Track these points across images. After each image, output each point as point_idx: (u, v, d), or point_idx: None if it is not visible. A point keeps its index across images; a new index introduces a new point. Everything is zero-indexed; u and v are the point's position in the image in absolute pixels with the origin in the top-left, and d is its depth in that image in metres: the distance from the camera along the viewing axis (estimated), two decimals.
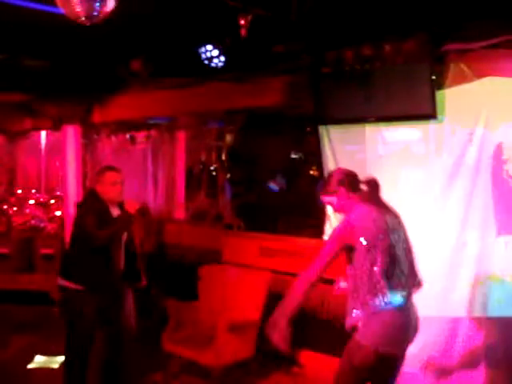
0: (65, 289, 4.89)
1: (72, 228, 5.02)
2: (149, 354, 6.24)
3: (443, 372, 4.88)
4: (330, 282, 5.89)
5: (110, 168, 5.18)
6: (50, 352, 6.17)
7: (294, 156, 9.53)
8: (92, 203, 4.89)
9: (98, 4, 3.40)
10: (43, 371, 5.99)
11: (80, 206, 4.98)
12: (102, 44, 5.77)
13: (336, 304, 5.91)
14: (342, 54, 5.05)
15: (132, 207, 4.81)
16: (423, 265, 3.85)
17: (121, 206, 4.97)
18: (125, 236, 5.08)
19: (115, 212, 4.94)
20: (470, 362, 4.77)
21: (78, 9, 3.43)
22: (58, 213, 9.60)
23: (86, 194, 5.24)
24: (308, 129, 8.05)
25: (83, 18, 3.51)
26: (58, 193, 10.21)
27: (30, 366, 6.11)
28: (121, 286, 5.10)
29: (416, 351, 4.90)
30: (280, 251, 6.47)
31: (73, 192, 8.44)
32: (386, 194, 5.13)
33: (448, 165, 4.88)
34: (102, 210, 4.83)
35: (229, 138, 8.56)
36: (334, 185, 3.78)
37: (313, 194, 7.21)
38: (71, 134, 8.51)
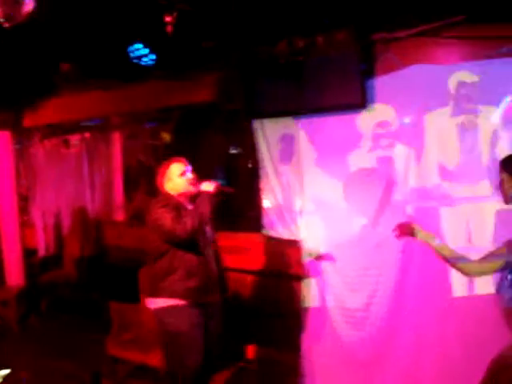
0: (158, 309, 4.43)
1: (148, 245, 4.56)
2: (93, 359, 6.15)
3: None
4: (273, 275, 6.00)
5: (172, 161, 4.65)
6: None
7: (232, 151, 9.51)
8: (165, 201, 4.41)
9: (15, 5, 3.31)
10: None
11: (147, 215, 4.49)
12: (30, 47, 5.65)
13: (281, 297, 5.98)
14: (275, 47, 5.06)
15: (208, 187, 4.35)
16: None
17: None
18: (210, 235, 4.61)
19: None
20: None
21: None
22: None
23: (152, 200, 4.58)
24: (245, 123, 8.06)
25: (3, 20, 3.41)
26: None
27: None
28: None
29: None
30: (221, 248, 6.45)
31: (7, 200, 8.21)
32: (321, 184, 5.26)
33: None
34: (178, 205, 4.40)
35: (165, 136, 8.49)
36: None
37: (251, 188, 7.25)
38: (1, 140, 8.28)
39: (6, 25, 3.46)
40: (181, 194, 4.51)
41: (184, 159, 4.62)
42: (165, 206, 4.31)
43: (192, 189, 4.48)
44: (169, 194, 4.52)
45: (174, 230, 4.21)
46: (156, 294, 4.41)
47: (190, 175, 4.52)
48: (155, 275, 4.43)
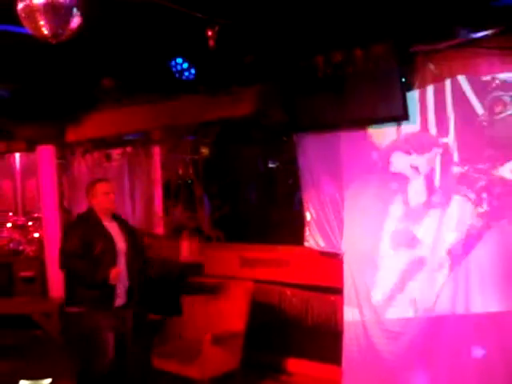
0: (68, 314, 4.94)
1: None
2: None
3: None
4: (314, 288, 5.98)
5: (99, 180, 5.36)
6: (34, 376, 6.07)
7: (271, 165, 9.52)
8: (76, 225, 5.08)
9: (63, 22, 3.38)
10: None
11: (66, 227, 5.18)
12: (72, 63, 5.75)
13: (320, 310, 5.95)
14: (313, 60, 5.07)
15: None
16: None
17: (115, 217, 5.11)
18: (124, 247, 5.02)
19: (109, 224, 4.99)
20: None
21: (44, 28, 3.41)
22: (37, 234, 9.49)
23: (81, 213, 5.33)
24: (284, 138, 8.07)
25: (49, 37, 3.49)
26: (36, 214, 10.10)
27: None
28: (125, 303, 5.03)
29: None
30: (261, 260, 6.48)
31: (50, 213, 8.36)
32: (362, 197, 5.24)
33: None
34: (95, 221, 4.93)
35: (204, 150, 8.54)
36: None
37: (291, 201, 7.26)
38: (46, 154, 8.45)
39: (53, 41, 3.54)
40: (102, 211, 5.00)
41: (110, 181, 5.41)
42: (72, 229, 5.08)
43: (113, 206, 5.10)
44: (92, 209, 5.06)
45: (60, 255, 4.92)
46: (70, 300, 4.93)
47: (112, 196, 5.08)
48: (68, 284, 4.98)
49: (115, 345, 4.93)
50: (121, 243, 5.00)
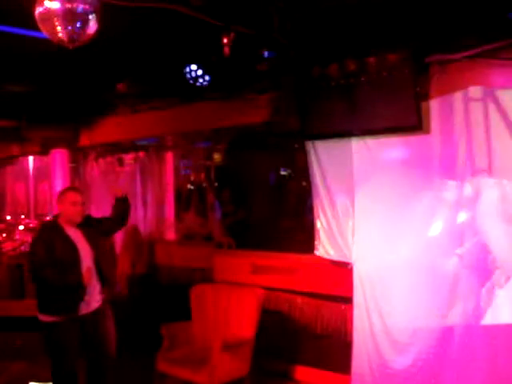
0: (42, 323, 4.94)
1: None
2: (143, 375, 6.22)
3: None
4: (324, 297, 5.97)
5: (71, 188, 5.47)
6: (44, 378, 6.09)
7: (283, 173, 9.53)
8: (40, 234, 5.08)
9: (79, 27, 3.41)
10: None
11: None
12: (87, 67, 5.79)
13: (330, 319, 5.94)
14: (327, 69, 5.07)
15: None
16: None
17: (81, 225, 5.05)
18: (88, 253, 5.02)
19: (72, 232, 4.97)
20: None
21: (61, 32, 3.44)
22: None
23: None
24: (296, 145, 8.07)
25: (66, 42, 3.51)
26: (48, 218, 10.15)
27: None
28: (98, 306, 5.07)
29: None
30: (271, 268, 6.47)
31: None
32: (374, 207, 5.23)
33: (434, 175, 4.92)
34: (58, 229, 4.94)
35: (217, 156, 8.57)
36: None
37: (302, 209, 7.25)
38: (59, 158, 8.52)
39: (69, 46, 3.57)
40: (66, 219, 5.00)
41: (81, 191, 5.30)
42: (37, 239, 5.00)
43: (76, 220, 5.02)
44: (56, 216, 5.09)
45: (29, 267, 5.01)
46: (42, 309, 4.92)
47: (79, 208, 5.02)
48: (39, 292, 4.99)
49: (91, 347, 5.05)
50: (85, 250, 4.98)
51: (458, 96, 4.73)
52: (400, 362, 5.01)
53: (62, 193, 5.18)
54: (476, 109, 4.67)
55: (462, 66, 4.68)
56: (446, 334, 4.78)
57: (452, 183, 4.80)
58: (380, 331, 5.16)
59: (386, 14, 4.39)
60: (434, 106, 4.87)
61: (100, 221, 5.48)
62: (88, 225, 5.13)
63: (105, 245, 5.38)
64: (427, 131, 4.88)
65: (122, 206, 5.48)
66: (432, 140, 4.90)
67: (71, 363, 4.91)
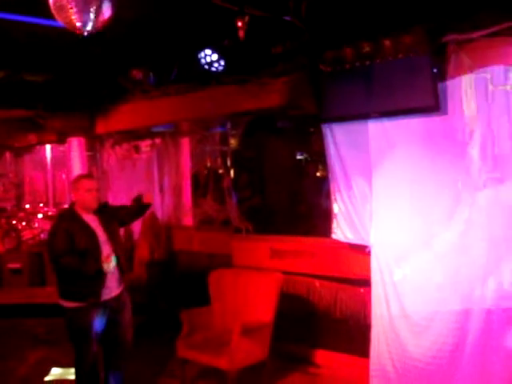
0: (65, 309, 4.97)
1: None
2: (163, 360, 6.27)
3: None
4: (342, 280, 5.97)
5: (85, 176, 5.55)
6: (66, 364, 6.16)
7: (299, 157, 9.52)
8: (59, 221, 5.08)
9: (94, 14, 3.41)
10: (60, 383, 6.02)
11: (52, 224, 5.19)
12: (102, 55, 5.80)
13: (348, 302, 5.94)
14: (342, 51, 5.03)
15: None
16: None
17: (97, 212, 5.07)
18: (105, 239, 5.03)
19: (89, 218, 5.00)
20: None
21: (75, 19, 3.44)
22: None
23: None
24: (312, 129, 8.04)
25: (81, 29, 3.52)
26: (66, 205, 10.23)
27: (47, 379, 6.14)
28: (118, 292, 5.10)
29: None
30: (290, 252, 6.47)
31: None
32: (391, 189, 5.20)
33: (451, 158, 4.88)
34: (70, 225, 4.91)
35: (233, 142, 8.56)
36: None
37: (319, 193, 7.24)
38: (76, 146, 8.56)
39: (84, 33, 3.57)
40: (82, 206, 5.02)
41: (95, 178, 5.40)
42: (57, 226, 4.99)
43: (93, 206, 5.04)
44: (73, 204, 5.11)
45: (49, 253, 5.01)
46: (65, 296, 4.94)
47: (95, 193, 5.05)
48: (60, 279, 4.99)
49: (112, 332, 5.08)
50: (103, 236, 4.99)
51: (477, 76, 4.66)
52: (418, 345, 5.00)
53: (76, 180, 5.21)
54: (496, 88, 4.61)
55: (481, 44, 4.59)
56: (466, 316, 4.74)
57: (473, 164, 4.74)
58: (398, 314, 5.14)
59: None
60: (452, 86, 4.80)
61: (117, 209, 5.52)
62: (104, 212, 5.16)
63: (119, 232, 5.38)
64: (445, 112, 4.83)
65: (142, 208, 5.62)
66: (450, 121, 4.85)
67: (93, 348, 4.95)
